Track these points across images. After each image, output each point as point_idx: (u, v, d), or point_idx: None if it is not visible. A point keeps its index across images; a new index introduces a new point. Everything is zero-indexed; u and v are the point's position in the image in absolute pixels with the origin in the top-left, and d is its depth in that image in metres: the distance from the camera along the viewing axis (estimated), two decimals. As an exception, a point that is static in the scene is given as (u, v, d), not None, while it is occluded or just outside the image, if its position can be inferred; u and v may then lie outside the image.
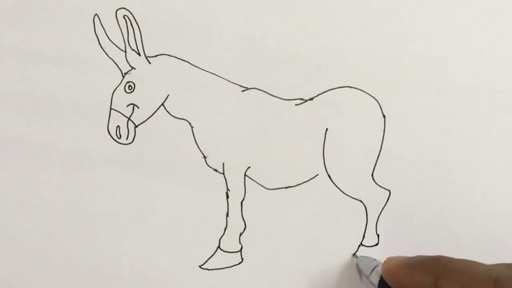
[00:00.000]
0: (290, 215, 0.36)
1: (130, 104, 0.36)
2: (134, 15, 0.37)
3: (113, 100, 0.36)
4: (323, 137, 0.37)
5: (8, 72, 0.37)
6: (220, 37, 0.37)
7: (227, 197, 0.36)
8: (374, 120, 0.37)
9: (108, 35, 0.37)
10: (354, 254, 0.36)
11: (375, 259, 0.34)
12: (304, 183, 0.36)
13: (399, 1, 0.38)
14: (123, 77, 0.37)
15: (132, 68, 0.37)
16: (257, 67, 0.37)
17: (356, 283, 0.36)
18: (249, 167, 0.36)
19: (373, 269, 0.33)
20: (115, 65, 0.37)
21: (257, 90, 0.37)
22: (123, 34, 0.37)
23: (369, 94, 0.37)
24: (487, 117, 0.37)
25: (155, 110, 0.37)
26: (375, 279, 0.32)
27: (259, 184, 0.36)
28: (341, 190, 0.36)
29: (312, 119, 0.37)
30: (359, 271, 0.35)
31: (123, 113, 0.36)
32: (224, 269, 0.36)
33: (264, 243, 0.36)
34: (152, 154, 0.36)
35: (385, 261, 0.31)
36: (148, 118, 0.36)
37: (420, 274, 0.29)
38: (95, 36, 0.37)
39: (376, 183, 0.36)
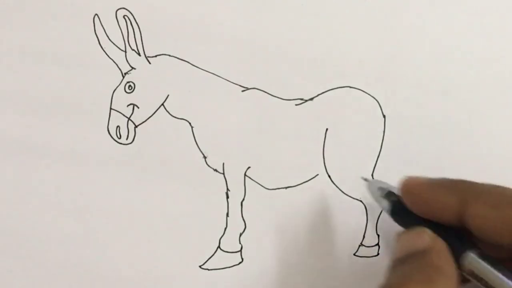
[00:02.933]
0: (290, 215, 0.36)
1: (130, 104, 0.36)
2: (134, 15, 0.37)
3: (113, 100, 0.36)
4: (323, 137, 0.37)
5: (8, 72, 0.37)
6: (220, 37, 0.37)
7: (227, 197, 0.36)
8: (374, 120, 0.37)
9: (108, 35, 0.37)
10: (364, 178, 0.34)
11: (385, 182, 0.32)
12: (304, 183, 0.36)
13: (399, 1, 0.38)
14: (123, 77, 0.37)
15: (132, 68, 0.37)
16: (257, 67, 0.37)
17: (356, 283, 0.36)
18: (249, 167, 0.36)
19: (386, 192, 0.31)
20: (115, 65, 0.37)
21: (257, 90, 0.37)
22: (123, 34, 0.37)
23: (369, 94, 0.37)
24: (487, 117, 0.37)
25: (155, 110, 0.37)
26: (386, 203, 0.30)
27: (259, 184, 0.36)
28: (341, 190, 0.36)
29: (312, 119, 0.37)
30: (367, 195, 0.33)
31: (123, 113, 0.36)
32: (224, 269, 0.36)
33: (264, 243, 0.36)
34: (152, 154, 0.36)
35: (404, 180, 0.29)
36: (148, 118, 0.36)
37: (445, 194, 0.27)
38: (95, 36, 0.37)
39: (376, 183, 0.36)
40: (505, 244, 0.25)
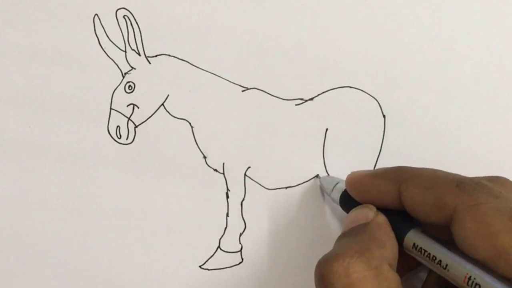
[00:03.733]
0: (290, 215, 0.36)
1: (130, 104, 0.36)
2: (134, 15, 0.37)
3: (113, 100, 0.36)
4: (323, 137, 0.37)
5: (8, 72, 0.37)
6: (220, 37, 0.37)
7: (227, 197, 0.36)
8: (374, 120, 0.37)
9: (108, 35, 0.37)
10: (316, 176, 0.36)
11: (336, 177, 0.35)
12: (304, 183, 0.36)
13: (399, 1, 0.38)
14: (123, 77, 0.37)
15: (132, 68, 0.37)
16: (257, 67, 0.37)
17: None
18: (249, 167, 0.36)
19: (335, 186, 0.33)
20: (115, 65, 0.37)
21: (257, 90, 0.37)
22: (123, 34, 0.37)
23: (369, 94, 0.37)
24: (487, 117, 0.37)
25: (155, 110, 0.37)
26: (337, 195, 0.33)
27: (259, 184, 0.36)
28: (341, 190, 0.36)
29: (312, 119, 0.37)
30: (322, 191, 0.36)
31: (123, 113, 0.36)
32: (224, 269, 0.36)
33: (264, 243, 0.36)
34: (152, 154, 0.36)
35: (348, 175, 0.32)
36: (148, 118, 0.36)
37: (383, 181, 0.29)
38: (95, 36, 0.37)
39: (376, 183, 0.36)
40: (435, 222, 0.27)
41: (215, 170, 0.36)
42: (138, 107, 0.36)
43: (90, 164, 0.36)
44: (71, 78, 0.37)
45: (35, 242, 0.35)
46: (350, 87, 0.37)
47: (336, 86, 0.37)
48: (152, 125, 0.36)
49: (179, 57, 0.37)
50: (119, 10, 0.37)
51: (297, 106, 0.37)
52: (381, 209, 0.29)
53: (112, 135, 0.36)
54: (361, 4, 0.38)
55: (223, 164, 0.36)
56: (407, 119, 0.37)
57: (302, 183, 0.36)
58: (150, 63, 0.37)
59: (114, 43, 0.37)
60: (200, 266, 0.36)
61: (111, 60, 0.37)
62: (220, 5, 0.37)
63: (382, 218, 0.28)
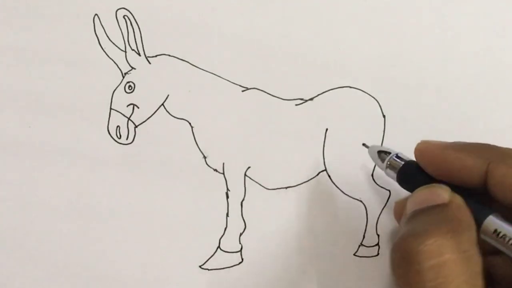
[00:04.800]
0: (290, 215, 0.36)
1: (130, 104, 0.36)
2: (134, 15, 0.37)
3: (113, 100, 0.36)
4: (323, 137, 0.37)
5: (8, 72, 0.37)
6: (220, 37, 0.37)
7: (227, 197, 0.36)
8: (374, 120, 0.37)
9: (108, 35, 0.37)
10: (363, 144, 0.34)
11: (389, 148, 0.32)
12: (304, 183, 0.36)
13: (399, 1, 0.38)
14: (123, 77, 0.37)
15: (132, 68, 0.37)
16: (257, 67, 0.37)
17: (356, 283, 0.36)
18: (249, 167, 0.36)
19: (390, 157, 0.30)
20: (115, 65, 0.37)
21: (257, 90, 0.37)
22: (123, 34, 0.37)
23: (369, 94, 0.37)
24: (487, 117, 0.37)
25: (155, 110, 0.37)
26: (391, 168, 0.30)
27: (259, 184, 0.36)
28: (341, 190, 0.36)
29: (312, 119, 0.37)
30: (374, 162, 0.33)
31: (123, 113, 0.36)
32: (224, 269, 0.36)
33: (264, 243, 0.36)
34: (152, 154, 0.36)
35: (419, 144, 0.29)
36: (148, 118, 0.36)
37: (469, 156, 0.26)
38: (95, 36, 0.37)
39: (376, 183, 0.36)
40: None
41: (215, 170, 0.36)
42: (138, 107, 0.36)
43: (90, 164, 0.36)
44: (71, 78, 0.37)
45: (35, 242, 0.35)
46: (350, 87, 0.37)
47: (336, 86, 0.37)
48: (152, 125, 0.36)
49: (179, 57, 0.37)
50: (119, 10, 0.37)
51: (297, 106, 0.37)
52: (454, 186, 0.27)
53: (112, 135, 0.36)
54: (361, 4, 0.38)
55: (223, 164, 0.36)
56: (407, 119, 0.37)
57: (302, 183, 0.36)
58: (150, 63, 0.37)
59: (114, 43, 0.37)
60: (200, 266, 0.36)
61: (111, 60, 0.37)
62: (220, 5, 0.37)
63: (460, 200, 0.26)
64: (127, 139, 0.36)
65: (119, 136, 0.36)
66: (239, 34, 0.37)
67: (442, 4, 0.38)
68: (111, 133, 0.36)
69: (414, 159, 0.30)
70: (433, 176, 0.28)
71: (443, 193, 0.26)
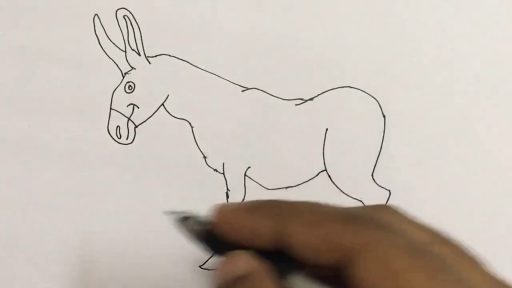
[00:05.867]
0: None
1: (130, 104, 0.36)
2: (134, 15, 0.37)
3: (113, 100, 0.36)
4: (323, 137, 0.37)
5: (8, 72, 0.37)
6: (220, 37, 0.37)
7: (227, 197, 0.36)
8: (374, 120, 0.37)
9: (108, 35, 0.37)
10: (166, 212, 0.29)
11: (190, 211, 0.28)
12: (304, 183, 0.36)
13: (399, 1, 0.38)
14: (123, 77, 0.37)
15: (132, 68, 0.37)
16: (257, 67, 0.37)
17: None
18: (249, 167, 0.36)
19: (195, 222, 0.27)
20: (115, 65, 0.37)
21: (257, 90, 0.37)
22: (123, 34, 0.37)
23: (369, 94, 0.37)
24: (487, 117, 0.37)
25: (155, 110, 0.37)
26: (196, 235, 0.27)
27: (259, 184, 0.36)
28: (341, 190, 0.36)
29: (312, 119, 0.37)
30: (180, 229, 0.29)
31: (123, 113, 0.36)
32: (224, 269, 0.36)
33: (264, 243, 0.36)
34: (152, 154, 0.36)
35: (216, 208, 0.26)
36: (148, 118, 0.36)
37: (260, 217, 0.24)
38: (95, 36, 0.37)
39: (376, 183, 0.36)
40: (324, 265, 0.23)
41: (215, 170, 0.36)
42: (138, 107, 0.36)
43: (90, 164, 0.36)
44: (71, 78, 0.37)
45: (35, 242, 0.35)
46: (350, 87, 0.37)
47: (336, 86, 0.37)
48: (152, 125, 0.36)
49: (179, 57, 0.37)
50: (119, 10, 0.37)
51: (297, 106, 0.37)
52: (255, 250, 0.25)
53: (112, 135, 0.36)
54: (361, 4, 0.38)
55: (223, 164, 0.36)
56: (407, 119, 0.37)
57: (302, 183, 0.36)
58: (150, 63, 0.37)
59: (114, 43, 0.37)
60: (200, 266, 0.36)
61: (111, 60, 0.37)
62: (220, 5, 0.37)
63: (261, 267, 0.24)
64: (127, 139, 0.36)
65: (119, 136, 0.36)
66: (239, 34, 0.37)
67: (442, 4, 0.38)
68: (111, 133, 0.36)
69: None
70: (234, 243, 0.25)
71: (246, 262, 0.24)
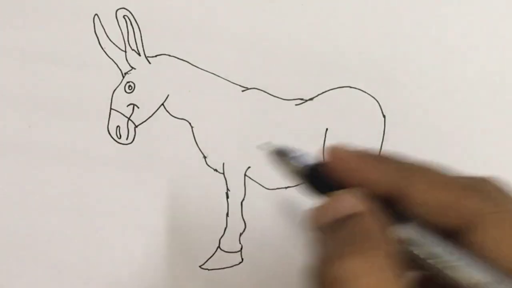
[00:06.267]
0: (290, 215, 0.36)
1: (130, 104, 0.36)
2: (134, 15, 0.37)
3: (113, 100, 0.36)
4: (323, 137, 0.37)
5: (8, 72, 0.37)
6: (220, 37, 0.37)
7: (227, 197, 0.36)
8: (374, 120, 0.37)
9: (108, 35, 0.37)
10: (265, 144, 0.28)
11: (296, 149, 0.27)
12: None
13: (399, 1, 0.38)
14: (123, 77, 0.37)
15: (132, 68, 0.37)
16: (257, 67, 0.37)
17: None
18: (249, 167, 0.36)
19: (296, 158, 0.26)
20: (115, 65, 0.37)
21: (257, 90, 0.37)
22: (123, 34, 0.37)
23: (369, 94, 0.37)
24: (487, 117, 0.37)
25: (155, 110, 0.37)
26: (299, 171, 0.26)
27: (259, 184, 0.36)
28: (341, 190, 0.36)
29: (312, 119, 0.37)
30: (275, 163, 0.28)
31: (123, 113, 0.36)
32: (224, 269, 0.36)
33: (264, 243, 0.36)
34: (152, 154, 0.36)
35: (332, 147, 0.25)
36: (148, 118, 0.36)
37: (388, 168, 0.24)
38: (95, 36, 0.37)
39: (376, 183, 0.36)
40: (442, 226, 0.24)
41: (215, 170, 0.36)
42: (138, 107, 0.36)
43: (90, 164, 0.36)
44: (71, 78, 0.37)
45: (35, 242, 0.35)
46: (350, 87, 0.37)
47: (336, 86, 0.37)
48: (152, 125, 0.36)
49: (179, 57, 0.37)
50: (119, 10, 0.37)
51: (297, 106, 0.37)
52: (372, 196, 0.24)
53: (112, 135, 0.36)
54: (361, 3, 0.38)
55: (223, 164, 0.36)
56: (407, 119, 0.37)
57: (302, 183, 0.36)
58: (150, 63, 0.37)
59: (114, 43, 0.37)
60: (200, 266, 0.36)
61: (111, 60, 0.37)
62: (220, 5, 0.37)
63: (374, 209, 0.24)
64: (127, 139, 0.36)
65: (119, 136, 0.36)
66: (239, 34, 0.37)
67: (442, 4, 0.38)
68: (111, 133, 0.36)
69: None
70: (341, 185, 0.25)
71: (356, 201, 0.24)
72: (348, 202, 0.24)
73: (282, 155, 0.27)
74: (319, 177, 0.26)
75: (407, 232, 0.24)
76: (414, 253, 0.24)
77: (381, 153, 0.27)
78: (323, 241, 0.25)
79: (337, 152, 0.25)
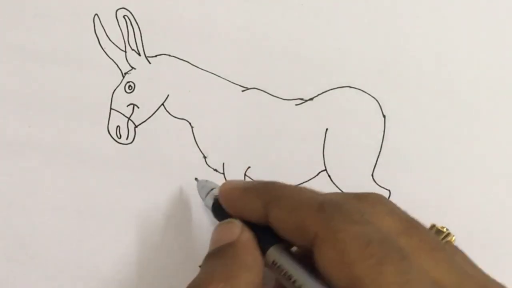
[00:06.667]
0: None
1: (130, 104, 0.36)
2: (134, 15, 0.37)
3: (113, 100, 0.36)
4: (323, 137, 0.37)
5: (8, 72, 0.37)
6: (220, 37, 0.37)
7: (227, 197, 0.36)
8: (374, 120, 0.37)
9: (108, 35, 0.37)
10: (196, 178, 0.35)
11: (213, 182, 0.34)
12: (304, 183, 0.36)
13: (399, 1, 0.38)
14: (123, 77, 0.37)
15: (132, 68, 0.37)
16: (257, 67, 0.37)
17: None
18: (249, 167, 0.36)
19: (209, 192, 0.33)
20: (115, 65, 0.37)
21: (257, 90, 0.37)
22: (123, 34, 0.37)
23: (369, 94, 0.37)
24: (487, 116, 0.37)
25: (155, 110, 0.37)
26: (210, 202, 0.32)
27: (259, 184, 0.36)
28: (341, 190, 0.36)
29: (312, 119, 0.37)
30: (199, 193, 0.34)
31: (123, 113, 0.36)
32: (224, 269, 0.36)
33: (264, 243, 0.36)
34: (152, 154, 0.36)
35: (223, 183, 0.31)
36: (148, 118, 0.36)
37: (250, 198, 0.28)
38: (95, 36, 0.37)
39: (376, 183, 0.36)
40: (300, 245, 0.26)
41: (215, 170, 0.36)
42: (138, 107, 0.36)
43: (90, 164, 0.36)
44: (71, 78, 0.37)
45: (34, 242, 0.35)
46: (350, 87, 0.37)
47: (336, 86, 0.37)
48: (152, 125, 0.36)
49: (179, 57, 0.37)
50: (119, 10, 0.37)
51: (297, 106, 0.37)
52: (250, 223, 0.28)
53: (112, 135, 0.36)
54: (361, 4, 0.38)
55: (223, 164, 0.36)
56: (407, 119, 0.37)
57: (302, 183, 0.36)
58: (150, 63, 0.37)
59: (114, 43, 0.37)
60: (200, 266, 0.36)
61: (111, 60, 0.37)
62: (220, 5, 0.37)
63: (247, 236, 0.28)
64: (127, 139, 0.36)
65: (119, 136, 0.36)
66: (239, 34, 0.37)
67: (442, 4, 0.38)
68: (111, 133, 0.36)
69: None
70: (231, 214, 0.29)
71: (234, 230, 0.28)
72: (226, 231, 0.28)
73: (202, 189, 0.33)
74: (220, 208, 0.30)
75: (272, 255, 0.27)
76: (279, 275, 0.26)
77: (254, 183, 0.30)
78: (201, 267, 0.28)
79: (224, 187, 0.30)
